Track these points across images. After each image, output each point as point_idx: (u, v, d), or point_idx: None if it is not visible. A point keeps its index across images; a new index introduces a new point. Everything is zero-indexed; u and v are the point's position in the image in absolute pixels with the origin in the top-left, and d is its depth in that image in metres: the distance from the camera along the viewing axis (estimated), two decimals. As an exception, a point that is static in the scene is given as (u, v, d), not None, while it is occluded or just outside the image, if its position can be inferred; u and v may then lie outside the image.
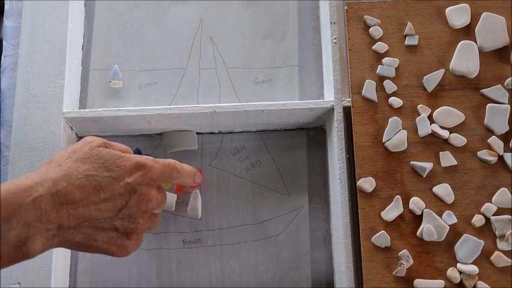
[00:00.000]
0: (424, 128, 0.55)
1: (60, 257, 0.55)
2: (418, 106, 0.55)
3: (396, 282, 0.51)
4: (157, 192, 0.47)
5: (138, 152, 0.60)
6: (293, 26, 0.64)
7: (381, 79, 0.56)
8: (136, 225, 0.45)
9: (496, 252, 0.52)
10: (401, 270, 0.51)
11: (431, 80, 0.56)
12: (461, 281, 0.51)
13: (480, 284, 0.51)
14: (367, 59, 0.57)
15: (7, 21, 0.62)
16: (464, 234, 0.52)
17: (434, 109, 0.55)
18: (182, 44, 0.63)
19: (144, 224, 0.46)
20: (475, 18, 0.57)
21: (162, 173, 0.48)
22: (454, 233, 0.52)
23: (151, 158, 0.47)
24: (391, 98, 0.56)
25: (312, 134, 0.61)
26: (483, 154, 0.54)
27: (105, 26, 0.64)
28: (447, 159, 0.54)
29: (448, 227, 0.52)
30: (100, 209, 0.43)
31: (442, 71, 0.56)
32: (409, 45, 0.57)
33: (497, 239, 0.52)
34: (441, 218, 0.52)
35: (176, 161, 0.50)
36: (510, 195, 0.53)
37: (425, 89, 0.56)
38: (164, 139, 0.60)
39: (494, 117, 0.55)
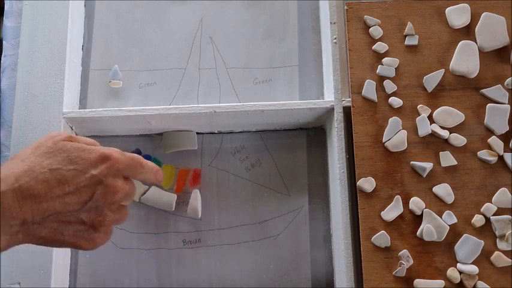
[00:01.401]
0: (424, 128, 0.55)
1: (60, 257, 0.55)
2: (418, 106, 0.55)
3: (396, 282, 0.51)
4: (125, 184, 0.46)
5: (138, 152, 0.60)
6: (293, 26, 0.64)
7: (380, 79, 0.56)
8: (104, 218, 0.45)
9: (496, 252, 0.52)
10: (401, 270, 0.51)
11: (431, 80, 0.56)
12: (461, 281, 0.51)
13: (480, 284, 0.51)
14: (367, 59, 0.57)
15: (7, 21, 0.62)
16: (464, 234, 0.52)
17: (434, 109, 0.55)
18: (182, 44, 0.63)
19: (111, 215, 0.45)
20: (475, 18, 0.57)
21: (128, 165, 0.47)
22: (454, 233, 0.52)
23: (117, 150, 0.47)
24: (391, 98, 0.56)
25: (312, 134, 0.61)
26: (483, 154, 0.54)
27: (105, 26, 0.64)
28: (447, 159, 0.54)
29: (448, 227, 0.52)
30: (65, 203, 0.43)
31: (442, 71, 0.56)
32: (409, 45, 0.57)
33: (497, 239, 0.52)
34: (441, 218, 0.52)
35: (139, 156, 0.50)
36: (510, 195, 0.53)
37: (425, 89, 0.56)
38: (164, 139, 0.60)
39: (494, 117, 0.55)
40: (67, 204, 0.43)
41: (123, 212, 0.48)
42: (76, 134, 0.60)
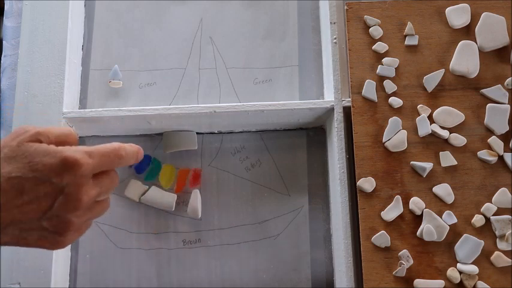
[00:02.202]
0: (424, 128, 0.55)
1: (60, 257, 0.55)
2: (418, 106, 0.55)
3: (396, 282, 0.51)
4: (93, 187, 0.43)
5: (138, 152, 0.60)
6: (293, 26, 0.64)
7: (380, 79, 0.56)
8: (67, 224, 0.42)
9: (496, 252, 0.52)
10: (401, 270, 0.51)
11: (431, 80, 0.56)
12: (461, 281, 0.51)
13: (480, 284, 0.51)
14: (367, 59, 0.57)
15: (7, 21, 0.62)
16: (464, 234, 0.52)
17: (434, 109, 0.55)
18: (182, 44, 0.63)
19: (77, 220, 0.43)
20: (475, 18, 0.57)
21: (98, 165, 0.44)
22: (454, 233, 0.52)
23: (85, 151, 0.43)
24: (391, 98, 0.56)
25: (312, 134, 0.61)
26: (483, 154, 0.54)
27: (105, 26, 0.64)
28: (447, 159, 0.54)
29: (448, 227, 0.52)
30: (23, 212, 0.41)
31: (442, 71, 0.56)
32: (409, 45, 0.57)
33: (497, 239, 0.52)
34: (441, 218, 0.52)
35: (121, 145, 0.46)
36: (510, 195, 0.53)
37: (425, 89, 0.56)
38: (164, 139, 0.60)
39: (494, 117, 0.55)
40: (26, 213, 0.41)
41: (97, 208, 0.46)
42: (76, 134, 0.60)
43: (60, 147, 0.43)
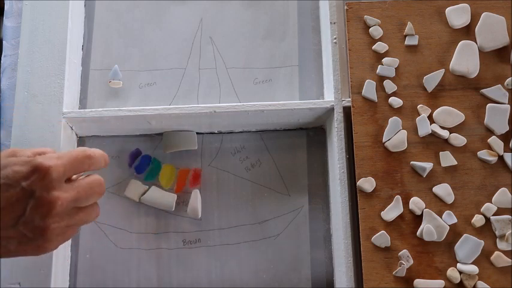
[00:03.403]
0: (424, 128, 0.55)
1: (60, 257, 0.55)
2: (418, 106, 0.55)
3: (396, 282, 0.51)
4: (67, 190, 0.44)
5: (138, 152, 0.60)
6: (293, 26, 0.64)
7: (380, 79, 0.56)
8: (44, 230, 0.43)
9: (496, 252, 0.52)
10: (401, 270, 0.51)
11: (431, 80, 0.56)
12: (461, 281, 0.51)
13: (480, 284, 0.51)
14: (367, 59, 0.57)
15: (7, 21, 0.62)
16: (464, 234, 0.52)
17: (434, 109, 0.55)
18: (182, 44, 0.63)
19: (56, 224, 0.44)
20: (475, 18, 0.57)
21: (68, 168, 0.45)
22: (454, 233, 0.52)
23: (53, 155, 0.45)
24: (391, 98, 0.56)
25: (312, 134, 0.61)
26: (483, 154, 0.54)
27: (105, 26, 0.64)
28: (447, 159, 0.54)
29: (448, 227, 0.52)
30: None
31: (442, 71, 0.56)
32: (409, 45, 0.57)
33: (497, 239, 0.52)
34: (441, 218, 0.52)
35: (87, 148, 0.48)
36: (510, 195, 0.53)
37: (425, 89, 0.56)
38: (164, 139, 0.60)
39: (494, 117, 0.55)
40: (1, 220, 0.41)
41: (80, 215, 0.46)
42: (76, 134, 0.60)
43: (26, 157, 0.44)
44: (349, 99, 0.56)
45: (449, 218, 0.52)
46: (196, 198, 0.58)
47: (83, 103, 0.62)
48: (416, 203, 0.53)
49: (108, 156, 0.50)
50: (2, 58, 0.61)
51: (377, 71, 0.56)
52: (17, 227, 0.42)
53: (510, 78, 0.56)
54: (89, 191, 0.46)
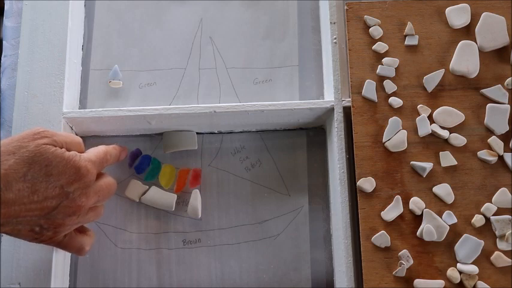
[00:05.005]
0: (424, 128, 0.55)
1: (60, 257, 0.55)
2: (418, 106, 0.55)
3: (396, 282, 0.51)
4: (93, 195, 0.47)
5: (138, 152, 0.60)
6: (293, 26, 0.64)
7: (380, 79, 0.56)
8: (60, 225, 0.46)
9: (496, 252, 0.52)
10: (401, 270, 0.51)
11: (431, 80, 0.56)
12: (461, 281, 0.51)
13: (480, 284, 0.51)
14: (367, 59, 0.57)
15: (7, 21, 0.62)
16: (464, 234, 0.52)
17: (434, 109, 0.55)
18: (182, 44, 0.63)
19: (71, 222, 0.47)
20: (475, 18, 0.57)
21: (98, 170, 0.49)
22: (454, 233, 0.52)
23: (91, 160, 0.48)
24: (391, 98, 0.56)
25: (312, 134, 0.61)
26: (483, 154, 0.54)
27: (105, 26, 0.64)
28: (447, 159, 0.54)
29: (448, 227, 0.52)
30: (30, 209, 0.44)
31: (442, 71, 0.56)
32: (409, 45, 0.57)
33: (497, 239, 0.52)
34: (441, 218, 0.52)
35: (107, 150, 0.52)
36: (510, 195, 0.53)
37: (425, 89, 0.56)
38: (164, 139, 0.60)
39: (494, 117, 0.55)
40: (32, 211, 0.44)
41: (90, 214, 0.49)
42: (76, 134, 0.60)
43: (71, 155, 0.46)
44: (349, 99, 0.56)
45: (449, 218, 0.52)
46: (196, 198, 0.58)
47: (83, 103, 0.62)
48: (416, 203, 0.53)
49: (122, 149, 0.56)
50: (2, 58, 0.61)
51: (377, 71, 0.56)
52: (41, 219, 0.45)
53: (510, 78, 0.56)
54: (106, 195, 0.50)
